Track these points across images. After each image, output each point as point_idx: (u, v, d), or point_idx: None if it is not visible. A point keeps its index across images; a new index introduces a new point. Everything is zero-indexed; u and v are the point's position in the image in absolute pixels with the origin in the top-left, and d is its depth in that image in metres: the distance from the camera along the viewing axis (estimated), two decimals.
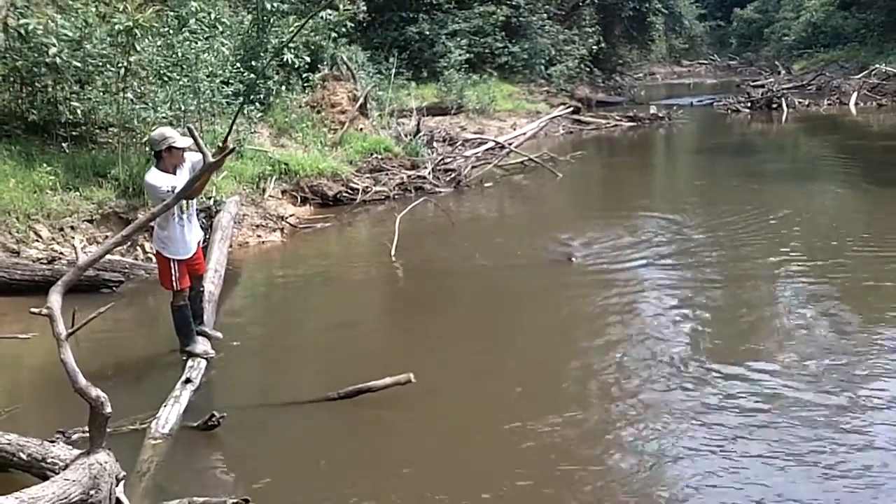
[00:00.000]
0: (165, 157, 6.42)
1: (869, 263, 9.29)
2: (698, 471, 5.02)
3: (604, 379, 6.41)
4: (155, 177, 6.44)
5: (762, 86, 31.66)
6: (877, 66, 31.61)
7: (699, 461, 5.14)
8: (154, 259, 10.23)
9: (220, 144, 6.48)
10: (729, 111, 28.41)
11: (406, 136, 17.09)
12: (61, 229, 9.81)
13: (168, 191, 6.21)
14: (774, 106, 27.88)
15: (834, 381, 6.16)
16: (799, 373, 6.35)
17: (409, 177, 14.91)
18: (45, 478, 4.42)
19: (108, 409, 4.17)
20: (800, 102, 28.40)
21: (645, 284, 8.95)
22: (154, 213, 5.04)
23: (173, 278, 6.65)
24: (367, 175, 14.70)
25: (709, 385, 6.17)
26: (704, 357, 6.73)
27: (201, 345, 6.78)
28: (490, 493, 4.90)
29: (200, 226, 7.16)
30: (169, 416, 5.77)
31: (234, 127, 12.80)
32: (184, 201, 6.34)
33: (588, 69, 30.83)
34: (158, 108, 10.96)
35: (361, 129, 16.38)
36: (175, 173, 6.43)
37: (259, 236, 11.59)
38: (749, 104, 28.52)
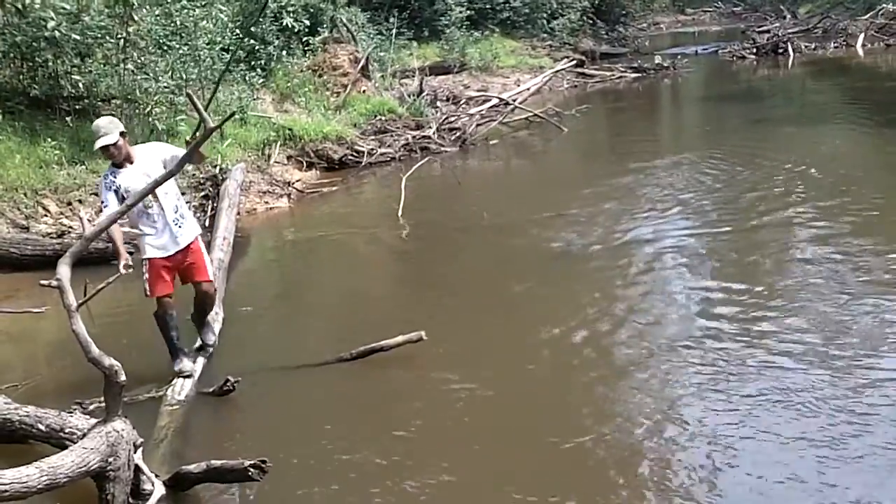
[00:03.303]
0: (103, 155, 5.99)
1: (885, 207, 9.13)
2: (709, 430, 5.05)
3: (615, 339, 6.37)
4: (102, 176, 6.01)
5: (767, 31, 31.13)
6: (884, 5, 31.06)
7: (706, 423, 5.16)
8: None
9: (188, 140, 5.87)
10: (734, 58, 28.03)
11: (409, 96, 17.00)
12: (69, 203, 9.85)
13: (107, 187, 5.79)
14: (780, 51, 27.50)
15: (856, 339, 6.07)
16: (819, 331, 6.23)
17: (414, 137, 14.85)
18: (64, 447, 4.46)
19: (122, 378, 4.21)
20: (806, 46, 27.97)
21: (653, 238, 8.88)
22: (157, 182, 5.02)
23: (144, 283, 6.01)
24: (372, 137, 14.66)
25: (724, 349, 6.05)
26: (716, 317, 6.62)
27: (181, 364, 6.00)
28: (500, 452, 4.95)
29: (178, 223, 6.05)
30: (184, 382, 5.84)
31: (238, 94, 12.88)
32: (146, 198, 5.57)
33: (591, 21, 30.41)
34: (160, 78, 10.94)
35: (364, 92, 16.30)
36: (123, 166, 5.84)
37: (266, 202, 11.61)
38: (754, 50, 28.11)
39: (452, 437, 5.16)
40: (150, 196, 5.55)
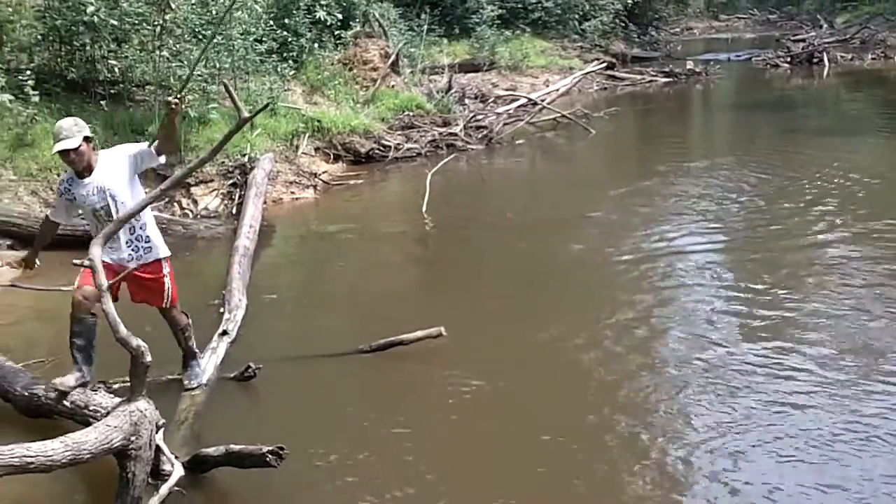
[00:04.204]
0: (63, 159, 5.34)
1: None
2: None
3: (633, 344, 6.39)
4: (61, 178, 5.58)
5: (803, 40, 30.91)
6: None
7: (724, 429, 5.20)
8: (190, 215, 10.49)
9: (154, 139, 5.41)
10: (768, 66, 27.88)
11: (438, 92, 17.07)
12: None
13: (59, 192, 5.44)
14: (815, 60, 27.29)
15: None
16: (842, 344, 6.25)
17: (440, 134, 14.93)
18: (88, 424, 4.56)
19: (149, 358, 4.30)
20: (842, 57, 27.75)
21: (677, 245, 8.89)
22: (191, 168, 5.15)
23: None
24: (399, 132, 14.73)
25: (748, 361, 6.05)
26: (746, 328, 6.62)
27: (73, 376, 5.18)
28: (517, 446, 5.01)
29: (140, 246, 5.46)
30: (206, 366, 5.95)
31: (269, 85, 13.00)
32: (100, 211, 5.28)
33: (623, 24, 30.33)
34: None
35: (393, 87, 16.38)
36: (83, 175, 5.29)
37: (293, 193, 11.73)
38: (789, 59, 27.94)
39: (465, 434, 5.22)
40: (104, 213, 5.23)
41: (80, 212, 5.45)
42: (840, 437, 4.89)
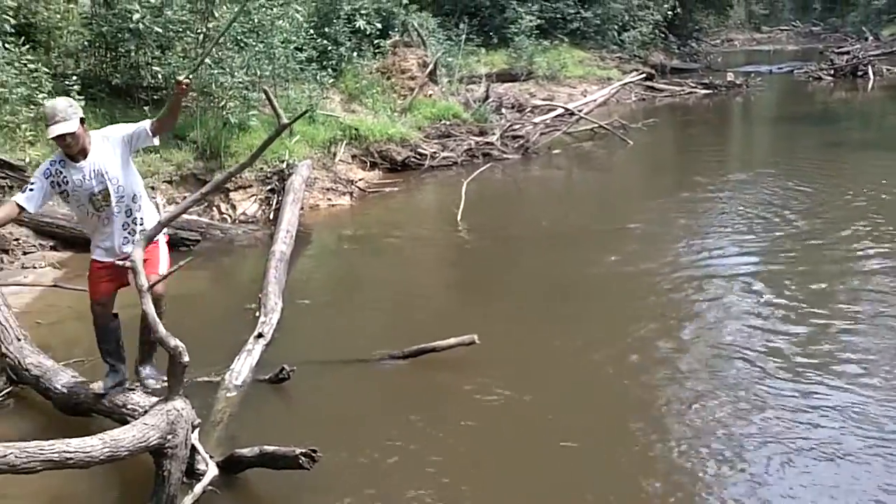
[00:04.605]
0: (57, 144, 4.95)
1: None
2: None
3: (669, 353, 6.39)
4: (48, 160, 5.08)
5: (847, 52, 30.49)
6: None
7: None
8: (228, 220, 10.63)
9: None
10: (810, 79, 27.55)
11: (475, 102, 17.12)
12: None
13: (46, 174, 4.93)
14: (860, 73, 26.91)
15: None
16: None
17: (476, 143, 14.98)
18: (125, 422, 4.66)
19: (186, 359, 4.38)
20: (888, 70, 27.29)
21: (714, 258, 8.83)
22: (231, 173, 5.23)
23: (88, 282, 5.27)
24: (436, 141, 14.81)
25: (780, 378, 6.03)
26: (777, 344, 6.56)
27: (109, 379, 5.23)
28: (543, 456, 5.04)
29: (137, 231, 5.13)
30: (241, 368, 6.03)
31: (308, 93, 13.14)
32: (98, 195, 4.97)
33: (663, 35, 30.18)
34: (235, 73, 11.22)
35: (431, 96, 16.47)
36: (76, 159, 4.94)
37: (329, 199, 11.84)
38: (832, 72, 27.58)
39: (495, 442, 5.24)
40: (100, 198, 4.97)
41: (72, 198, 5.00)
42: (867, 452, 4.86)
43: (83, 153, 4.94)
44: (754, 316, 7.09)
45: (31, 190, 4.88)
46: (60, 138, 4.83)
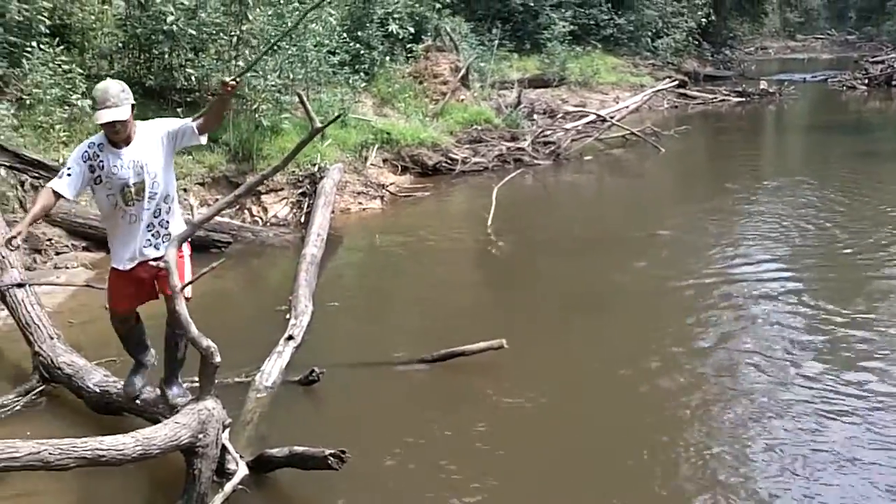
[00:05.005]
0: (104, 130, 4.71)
1: None
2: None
3: (698, 362, 6.34)
4: (85, 142, 4.84)
5: (882, 61, 30.13)
6: None
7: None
8: (259, 223, 10.68)
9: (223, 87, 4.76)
10: (844, 88, 27.28)
11: (507, 107, 17.12)
12: None
13: (84, 157, 4.70)
14: (894, 83, 26.62)
15: None
16: None
17: (508, 148, 14.96)
18: (156, 421, 4.68)
19: (218, 359, 4.39)
20: None
21: (745, 267, 8.73)
22: (264, 176, 5.24)
23: (108, 293, 5.05)
24: (467, 146, 14.81)
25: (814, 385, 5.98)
26: (802, 352, 6.49)
27: (134, 383, 5.17)
28: (567, 462, 5.01)
29: (161, 233, 4.92)
30: (272, 370, 6.03)
31: (341, 97, 13.20)
32: (132, 188, 4.73)
33: (696, 42, 30.01)
34: (268, 77, 11.29)
35: (462, 100, 16.48)
36: (118, 146, 4.71)
37: (360, 203, 11.87)
38: (866, 81, 27.29)
39: (521, 447, 5.21)
40: (133, 191, 4.74)
41: (103, 186, 4.74)
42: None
43: (127, 141, 4.72)
44: (782, 325, 7.02)
45: (68, 175, 4.64)
46: (110, 125, 4.60)
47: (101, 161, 4.69)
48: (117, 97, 4.57)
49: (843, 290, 7.84)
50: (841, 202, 11.36)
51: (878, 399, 5.62)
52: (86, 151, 4.70)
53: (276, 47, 11.51)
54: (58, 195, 4.67)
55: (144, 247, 4.87)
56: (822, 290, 7.87)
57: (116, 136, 4.66)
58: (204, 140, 4.99)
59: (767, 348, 6.52)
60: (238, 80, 4.83)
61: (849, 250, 9.14)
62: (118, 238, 4.88)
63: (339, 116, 6.74)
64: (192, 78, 11.54)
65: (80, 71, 10.21)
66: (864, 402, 5.57)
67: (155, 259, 4.84)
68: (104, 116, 4.56)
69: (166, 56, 11.53)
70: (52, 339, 5.89)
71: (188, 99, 11.67)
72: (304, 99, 5.04)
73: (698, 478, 4.79)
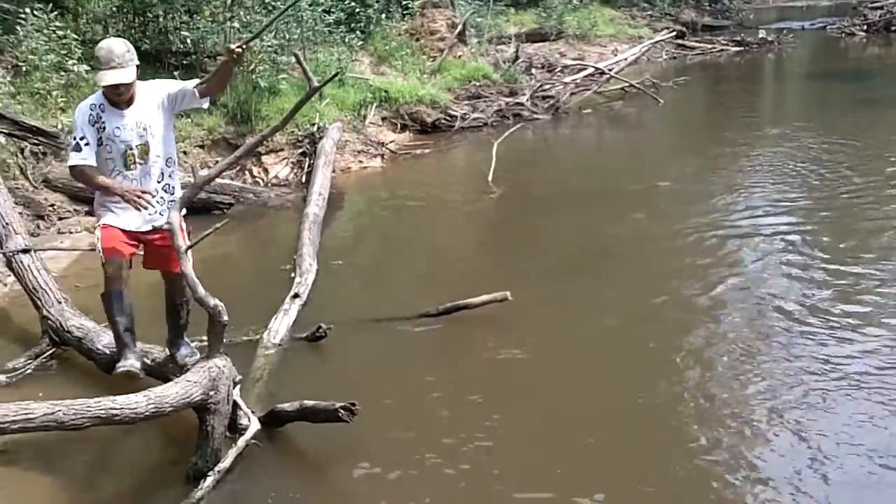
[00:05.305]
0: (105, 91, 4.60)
1: None
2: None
3: (701, 316, 6.33)
4: (86, 101, 4.70)
5: (881, 7, 29.80)
6: None
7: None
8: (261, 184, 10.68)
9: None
10: (843, 35, 27.04)
11: (504, 63, 17.01)
12: None
13: (91, 120, 4.58)
14: (893, 29, 26.38)
15: None
16: None
17: (507, 104, 14.90)
18: (167, 380, 4.73)
19: (225, 317, 4.45)
20: None
21: (745, 218, 8.72)
22: (263, 136, 5.25)
23: (97, 246, 4.72)
24: (466, 102, 14.76)
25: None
26: (807, 301, 6.49)
27: (123, 360, 4.78)
28: (569, 412, 5.07)
29: (166, 199, 4.88)
30: (279, 328, 6.12)
31: (337, 56, 13.13)
32: (135, 151, 4.65)
33: None
34: (263, 37, 11.21)
35: (460, 57, 16.39)
36: (119, 106, 4.62)
37: (360, 162, 11.87)
38: (865, 27, 27.03)
39: (527, 400, 5.27)
40: (136, 153, 4.64)
41: (102, 149, 4.66)
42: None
43: (129, 103, 4.61)
44: (783, 274, 7.04)
45: (86, 145, 4.54)
46: (114, 87, 4.47)
47: (104, 122, 4.59)
48: (122, 57, 4.45)
49: (845, 237, 7.87)
50: (841, 150, 11.33)
51: (877, 345, 5.66)
52: (90, 114, 4.59)
53: (272, 8, 11.46)
54: (91, 166, 4.61)
55: (150, 215, 4.77)
56: (822, 238, 7.89)
57: (119, 97, 4.56)
58: (206, 104, 4.94)
59: (768, 296, 6.56)
60: (244, 46, 4.71)
61: (849, 196, 9.15)
62: (115, 204, 4.68)
63: (336, 75, 6.73)
64: (188, 41, 11.46)
65: (76, 37, 10.13)
66: (863, 347, 5.63)
67: (159, 229, 4.78)
68: (109, 78, 4.44)
69: (161, 19, 11.45)
70: (59, 303, 5.93)
71: (184, 62, 11.61)
72: (302, 59, 5.05)
73: (693, 424, 4.85)
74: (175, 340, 5.18)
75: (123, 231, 4.72)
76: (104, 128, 4.58)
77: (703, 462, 4.47)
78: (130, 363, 4.74)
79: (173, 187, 4.90)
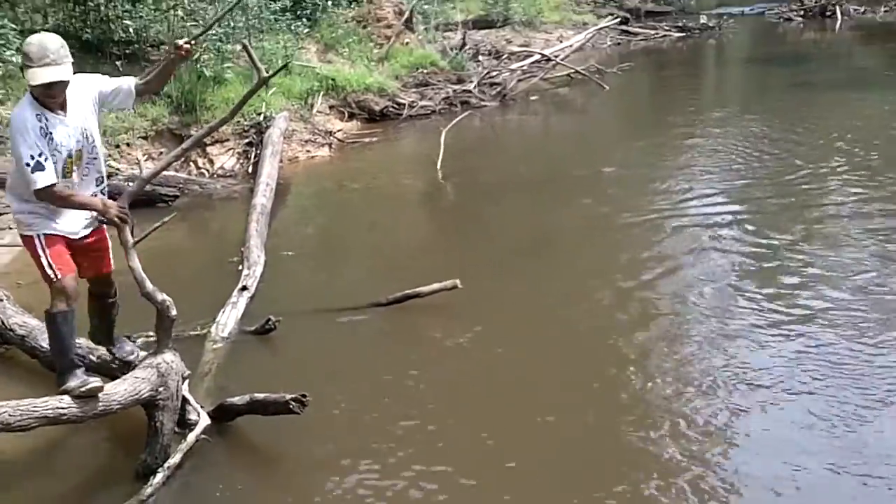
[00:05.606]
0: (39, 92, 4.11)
1: None
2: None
3: (652, 295, 6.49)
4: (23, 110, 4.14)
5: None
6: None
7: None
8: (206, 175, 10.54)
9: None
10: (781, 20, 27.59)
11: (452, 50, 17.02)
12: (117, 146, 10.09)
13: (42, 132, 4.08)
14: (828, 14, 26.94)
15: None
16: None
17: (454, 91, 14.90)
18: (114, 378, 4.67)
19: (174, 312, 4.43)
20: (855, 10, 27.34)
21: (688, 200, 8.92)
22: (212, 128, 5.22)
23: (44, 262, 4.25)
24: (413, 90, 14.72)
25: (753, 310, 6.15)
26: (746, 282, 6.68)
27: (79, 378, 4.29)
28: (531, 400, 5.12)
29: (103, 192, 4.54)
30: (227, 321, 6.09)
31: (283, 44, 13.01)
32: (73, 156, 4.24)
33: None
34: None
35: (407, 44, 16.34)
36: (55, 112, 4.16)
37: (308, 151, 11.80)
38: (802, 13, 27.61)
39: (476, 386, 5.33)
40: (74, 159, 4.22)
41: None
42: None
43: (63, 106, 4.18)
44: (727, 254, 7.23)
45: (46, 160, 4.07)
46: (47, 86, 4.03)
47: (51, 132, 4.12)
48: (57, 53, 4.02)
49: (785, 219, 8.08)
50: (781, 133, 11.63)
51: (816, 320, 5.86)
52: (39, 126, 4.09)
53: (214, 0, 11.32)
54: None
55: (87, 220, 4.46)
56: (764, 220, 8.11)
57: (53, 99, 4.12)
58: (131, 103, 4.64)
59: (713, 278, 6.72)
60: (194, 42, 4.53)
61: (791, 179, 9.40)
62: (53, 213, 4.28)
63: (285, 65, 6.66)
64: (130, 30, 11.27)
65: (14, 26, 9.88)
66: (803, 325, 5.81)
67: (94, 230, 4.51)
68: (43, 75, 3.99)
69: (102, 7, 11.22)
70: (1, 301, 5.82)
71: (127, 51, 11.42)
72: (250, 48, 5.02)
73: (638, 407, 4.96)
74: (111, 339, 4.98)
75: (61, 238, 4.33)
76: (52, 138, 4.13)
77: (648, 446, 4.56)
78: (96, 380, 4.35)
79: (107, 186, 4.60)
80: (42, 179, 4.07)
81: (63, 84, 4.10)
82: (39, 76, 3.99)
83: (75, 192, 4.30)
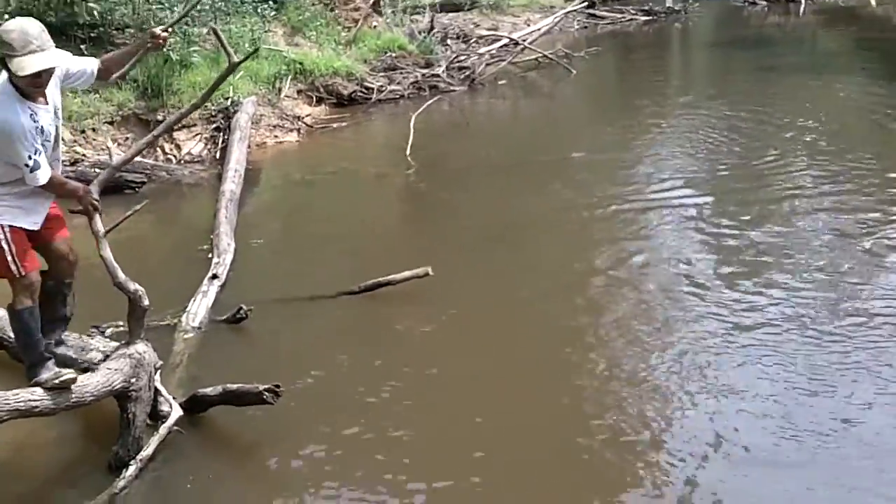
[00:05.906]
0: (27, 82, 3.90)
1: (884, 158, 9.36)
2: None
3: (620, 283, 6.56)
4: (13, 114, 3.89)
5: None
6: None
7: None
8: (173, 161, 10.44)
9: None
10: (746, 4, 27.77)
11: (420, 33, 16.92)
12: (83, 131, 9.96)
13: (36, 129, 3.95)
14: None
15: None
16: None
17: (423, 75, 14.84)
18: (86, 369, 4.64)
19: (146, 302, 4.41)
20: None
21: (654, 185, 9.03)
22: (182, 114, 5.18)
23: (8, 256, 4.07)
24: (382, 74, 14.64)
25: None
26: (711, 273, 6.72)
27: (51, 370, 4.23)
28: (502, 385, 5.20)
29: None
30: (198, 310, 6.07)
31: (250, 27, 12.89)
32: (53, 134, 4.13)
33: None
34: (174, 8, 10.94)
35: (375, 27, 16.25)
36: (35, 100, 3.99)
37: (276, 136, 11.72)
38: None
39: (448, 373, 5.36)
40: (41, 144, 4.00)
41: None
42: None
43: (44, 92, 4.01)
44: (693, 241, 7.35)
45: (39, 154, 3.98)
46: (36, 75, 3.82)
47: (39, 123, 3.98)
48: (40, 38, 3.79)
49: (751, 204, 8.20)
50: (746, 116, 11.75)
51: (781, 310, 5.95)
52: (34, 126, 3.95)
53: None
54: None
55: (49, 201, 4.30)
56: (731, 205, 8.22)
57: (41, 89, 3.95)
58: (88, 85, 4.53)
59: (682, 265, 6.81)
60: (170, 29, 4.39)
61: (757, 163, 9.54)
62: (24, 202, 4.12)
63: (255, 50, 6.60)
64: (95, 13, 11.07)
65: None
66: (767, 314, 5.90)
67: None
68: (34, 63, 3.76)
69: None
70: None
71: (92, 34, 11.22)
72: (220, 33, 4.99)
73: (608, 389, 5.06)
74: (58, 333, 4.61)
75: (27, 232, 4.18)
76: (42, 130, 4.00)
77: (618, 429, 4.64)
78: (69, 371, 4.27)
79: (74, 173, 4.55)
80: (43, 175, 4.04)
81: (51, 71, 3.94)
82: (28, 65, 3.77)
83: (65, 179, 4.31)
